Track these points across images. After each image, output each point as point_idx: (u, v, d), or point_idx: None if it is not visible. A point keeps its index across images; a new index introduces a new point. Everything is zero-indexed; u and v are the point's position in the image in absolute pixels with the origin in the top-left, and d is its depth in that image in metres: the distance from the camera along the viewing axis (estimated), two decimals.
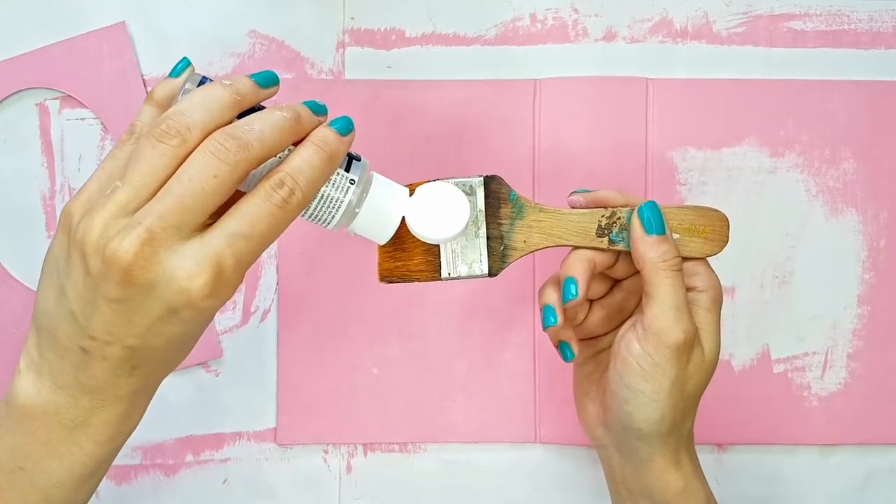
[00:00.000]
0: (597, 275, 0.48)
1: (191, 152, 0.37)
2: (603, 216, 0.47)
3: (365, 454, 0.60)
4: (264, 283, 0.59)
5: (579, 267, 0.46)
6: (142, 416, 0.42)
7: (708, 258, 0.48)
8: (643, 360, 0.45)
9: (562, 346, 0.49)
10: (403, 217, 0.44)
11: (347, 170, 0.42)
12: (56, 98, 0.59)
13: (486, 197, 0.46)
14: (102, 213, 0.37)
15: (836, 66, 0.60)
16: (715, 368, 0.47)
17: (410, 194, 0.45)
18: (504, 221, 0.46)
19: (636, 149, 0.59)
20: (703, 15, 0.60)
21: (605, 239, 0.47)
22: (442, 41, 0.60)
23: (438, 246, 0.46)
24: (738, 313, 0.60)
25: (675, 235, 0.46)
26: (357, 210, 0.42)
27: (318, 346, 0.59)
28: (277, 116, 0.39)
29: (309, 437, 0.59)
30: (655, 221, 0.45)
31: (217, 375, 0.60)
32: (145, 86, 0.59)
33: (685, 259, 0.47)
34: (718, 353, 0.47)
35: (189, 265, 0.36)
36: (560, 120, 0.59)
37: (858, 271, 0.60)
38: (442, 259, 0.46)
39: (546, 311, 0.47)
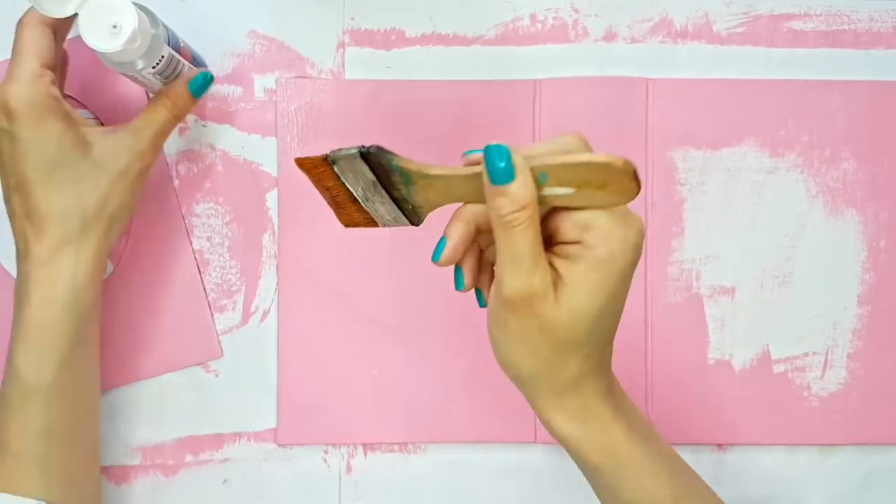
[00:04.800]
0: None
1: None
2: None
3: (365, 454, 0.60)
4: (264, 283, 0.59)
5: (454, 228, 0.43)
6: (96, 256, 0.52)
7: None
8: (491, 307, 0.44)
9: (478, 294, 0.47)
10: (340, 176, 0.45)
11: None
12: None
13: (372, 169, 0.44)
14: None
15: (836, 66, 0.60)
16: (584, 328, 0.42)
17: None
18: (400, 187, 0.45)
19: (636, 149, 0.59)
20: (703, 15, 0.60)
21: None
22: (442, 41, 0.60)
23: (364, 203, 0.46)
24: (738, 313, 0.60)
25: (569, 190, 0.41)
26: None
27: (318, 346, 0.59)
28: None
29: (309, 438, 0.59)
30: (497, 170, 0.40)
31: (217, 375, 0.60)
32: None
33: (595, 208, 0.41)
34: (588, 317, 0.41)
35: None
36: (560, 120, 0.59)
37: (858, 271, 0.60)
38: (371, 215, 0.46)
39: (456, 272, 0.45)
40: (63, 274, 0.51)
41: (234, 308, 0.60)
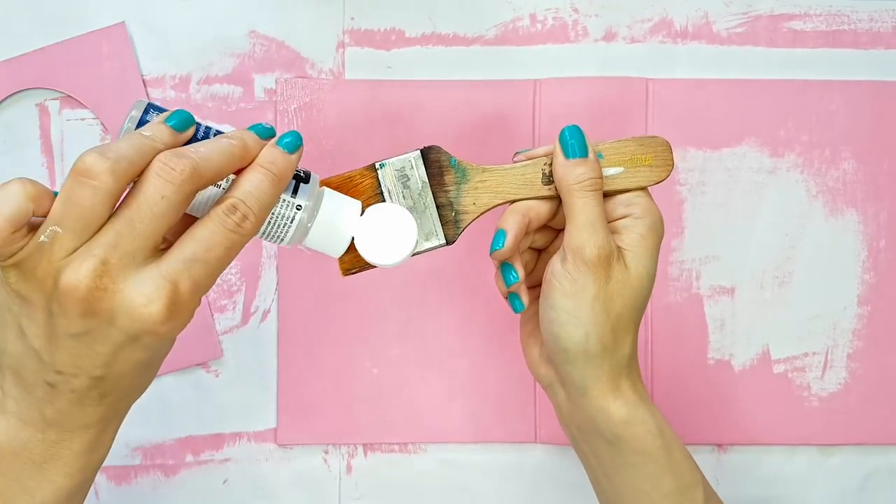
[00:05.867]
0: (542, 226, 0.48)
1: (121, 189, 0.37)
2: (546, 164, 0.47)
3: (365, 454, 0.60)
4: (264, 283, 0.59)
5: (511, 220, 0.47)
6: (110, 445, 0.42)
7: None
8: (563, 278, 0.45)
9: (511, 298, 0.49)
10: None
11: (296, 191, 0.43)
12: (56, 98, 0.59)
13: (428, 167, 0.47)
14: (50, 257, 0.37)
15: (836, 66, 0.60)
16: (645, 293, 0.46)
17: (364, 206, 0.45)
18: (450, 188, 0.47)
19: None
20: (703, 15, 0.60)
21: (553, 186, 0.47)
22: (442, 41, 0.60)
23: None
24: (738, 313, 0.60)
25: (619, 169, 0.47)
26: (309, 225, 0.43)
27: (318, 346, 0.59)
28: (224, 142, 0.40)
29: (309, 438, 0.59)
30: (574, 144, 0.46)
31: (217, 375, 0.60)
32: (145, 86, 0.59)
33: (636, 189, 0.47)
34: (650, 278, 0.46)
35: (147, 291, 0.37)
36: (560, 120, 0.59)
37: (858, 271, 0.60)
38: None
39: (505, 268, 0.48)
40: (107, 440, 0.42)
41: (234, 308, 0.60)
